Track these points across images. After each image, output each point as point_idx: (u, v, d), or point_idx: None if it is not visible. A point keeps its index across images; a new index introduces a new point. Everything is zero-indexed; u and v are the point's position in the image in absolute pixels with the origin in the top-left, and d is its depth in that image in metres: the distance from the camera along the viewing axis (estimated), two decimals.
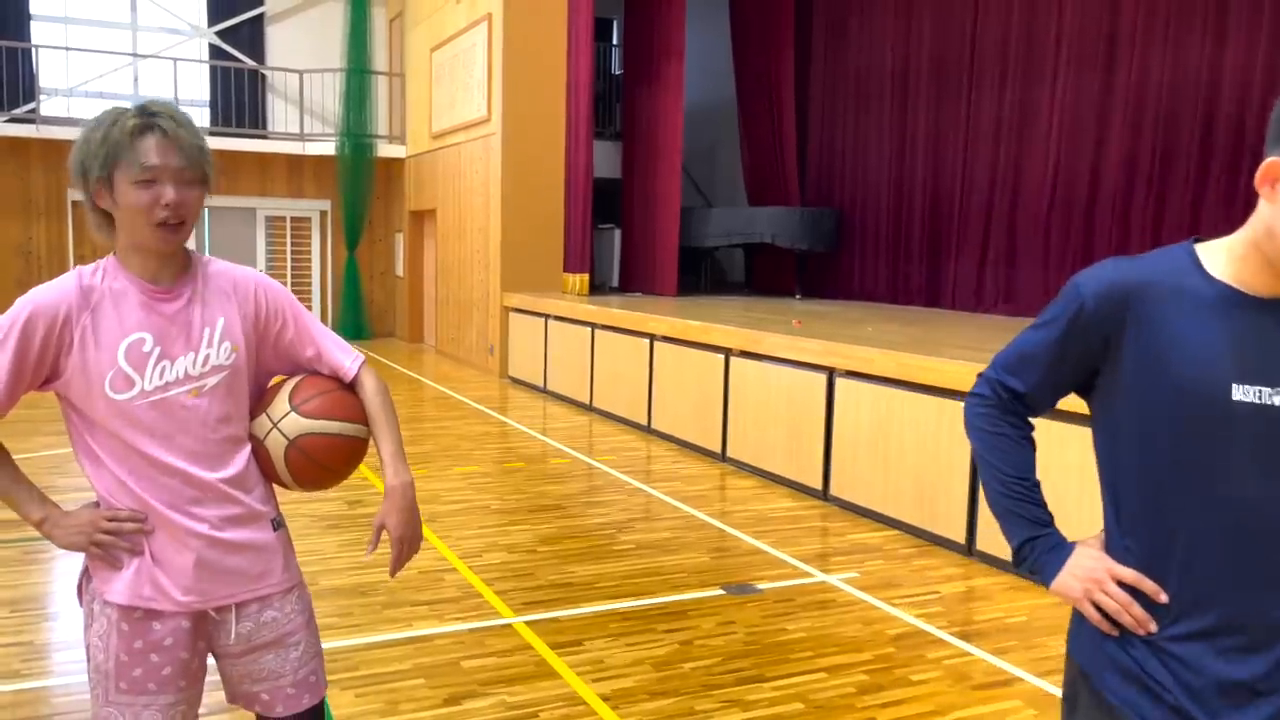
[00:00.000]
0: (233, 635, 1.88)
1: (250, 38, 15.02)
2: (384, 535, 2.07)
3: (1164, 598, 1.41)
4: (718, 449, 7.23)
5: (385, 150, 14.97)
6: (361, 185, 14.76)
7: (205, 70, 14.85)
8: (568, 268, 11.28)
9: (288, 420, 1.89)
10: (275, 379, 1.99)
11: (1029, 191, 8.95)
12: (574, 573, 4.73)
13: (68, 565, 4.74)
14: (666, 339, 7.99)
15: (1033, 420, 1.57)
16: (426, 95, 13.60)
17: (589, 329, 9.27)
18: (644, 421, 8.26)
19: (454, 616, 4.13)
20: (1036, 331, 1.51)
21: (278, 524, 1.96)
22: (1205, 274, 1.39)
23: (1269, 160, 1.31)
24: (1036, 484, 1.55)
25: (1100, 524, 1.54)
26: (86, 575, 1.88)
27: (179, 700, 1.86)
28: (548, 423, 8.78)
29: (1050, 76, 8.71)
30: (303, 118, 15.17)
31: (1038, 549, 1.51)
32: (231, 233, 14.91)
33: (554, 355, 10.04)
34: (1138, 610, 1.42)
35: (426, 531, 5.30)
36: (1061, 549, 1.50)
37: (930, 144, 10.14)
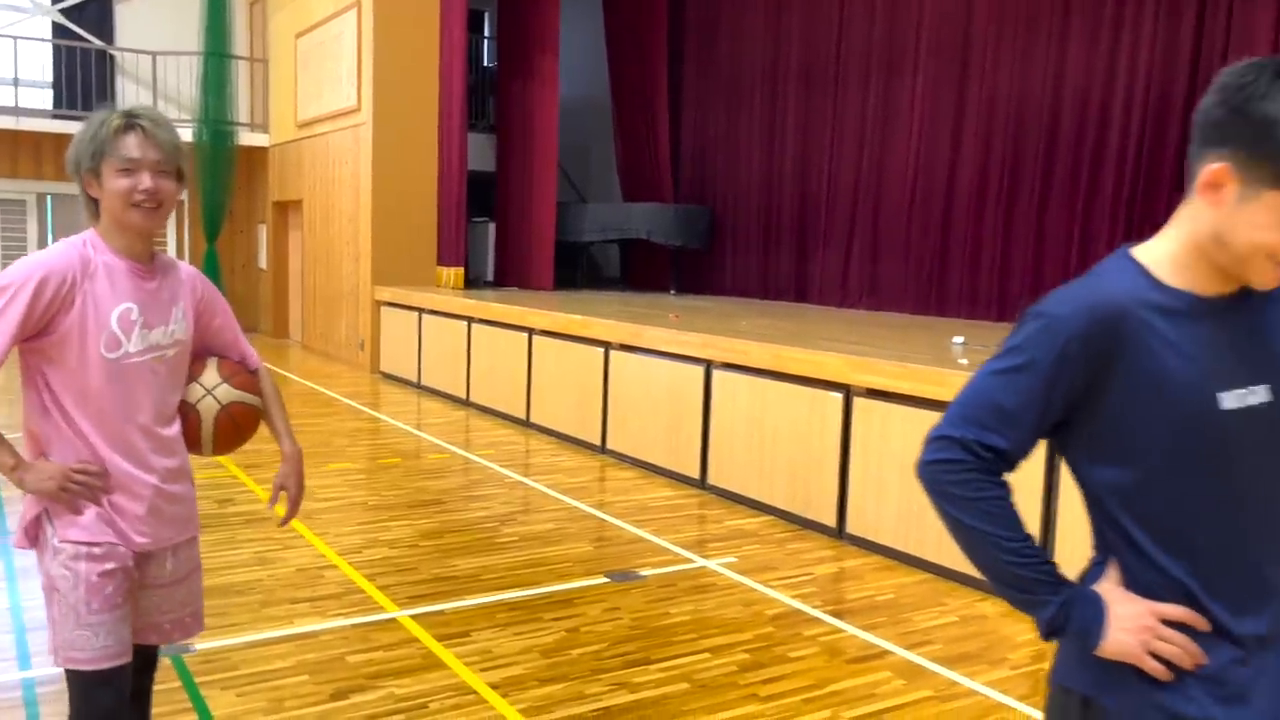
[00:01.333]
0: (167, 568, 2.23)
1: (98, 16, 14.22)
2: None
3: (1205, 626, 1.31)
4: (597, 441, 7.30)
5: (247, 138, 14.42)
6: (221, 174, 14.16)
7: (48, 50, 13.98)
8: (441, 261, 11.15)
9: (221, 389, 2.27)
10: (196, 361, 2.32)
11: (891, 188, 9.34)
12: (458, 566, 4.72)
13: None
14: (546, 333, 8.01)
15: (1010, 470, 1.39)
16: (291, 82, 13.18)
17: (465, 323, 9.19)
18: (523, 415, 8.25)
19: (336, 612, 4.07)
20: (1011, 378, 1.35)
21: (192, 480, 2.32)
22: (1165, 286, 1.33)
23: (1214, 167, 1.26)
24: (1034, 543, 1.37)
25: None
26: (39, 521, 2.10)
27: (130, 611, 2.16)
28: (423, 418, 8.67)
29: (911, 76, 9.12)
30: (156, 102, 14.44)
31: (1072, 611, 1.33)
32: (76, 221, 14.07)
33: (428, 350, 9.91)
34: (1194, 647, 1.31)
35: (302, 529, 5.19)
36: (1095, 603, 1.34)
37: (798, 142, 10.46)
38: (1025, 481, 4.16)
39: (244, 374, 2.36)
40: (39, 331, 2.03)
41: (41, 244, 13.90)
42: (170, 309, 2.19)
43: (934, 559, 4.76)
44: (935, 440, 1.39)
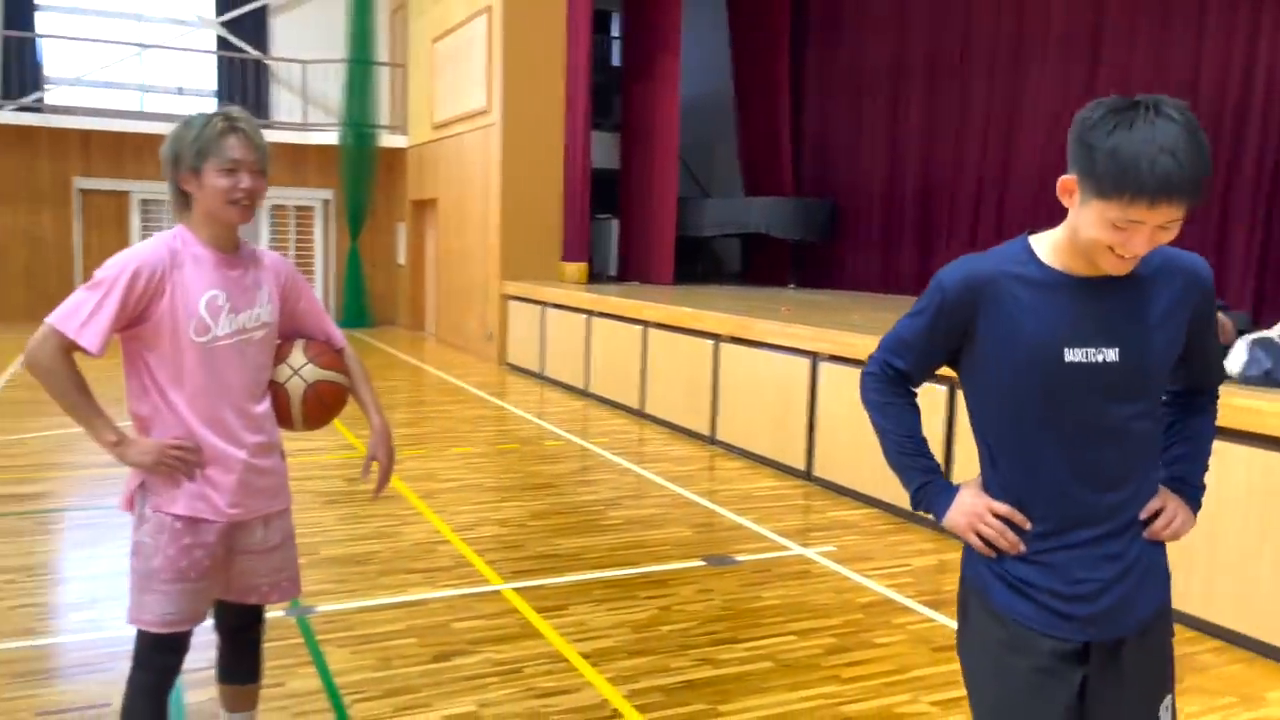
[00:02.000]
0: (258, 536, 2.41)
1: (255, 28, 15.22)
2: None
3: (1029, 525, 1.73)
4: (707, 431, 7.43)
5: (387, 140, 15.16)
6: (364, 175, 14.96)
7: (211, 60, 15.04)
8: (566, 256, 11.48)
9: (307, 368, 2.44)
10: (284, 342, 2.50)
11: (1017, 181, 9.12)
12: (562, 545, 4.94)
13: (77, 535, 4.96)
14: (660, 326, 8.19)
15: (915, 390, 1.89)
16: (428, 86, 13.79)
17: (585, 316, 9.47)
18: (637, 405, 8.46)
19: (446, 583, 4.35)
20: (911, 320, 1.82)
21: (283, 454, 2.50)
22: (1040, 263, 1.71)
23: (1065, 177, 1.62)
24: (924, 440, 1.87)
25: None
26: (141, 490, 2.31)
27: (210, 585, 2.35)
28: (544, 407, 8.99)
29: (1039, 68, 8.88)
30: (306, 107, 15.37)
31: (929, 492, 1.83)
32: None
33: (551, 342, 10.24)
34: (1011, 536, 1.74)
35: (421, 506, 5.52)
36: (949, 491, 1.82)
37: (922, 134, 10.31)
38: None
39: (330, 353, 2.50)
40: (135, 320, 2.20)
41: None
42: (255, 294, 2.34)
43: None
44: (869, 360, 1.91)
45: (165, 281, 2.21)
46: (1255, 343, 4.02)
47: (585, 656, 3.61)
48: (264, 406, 2.39)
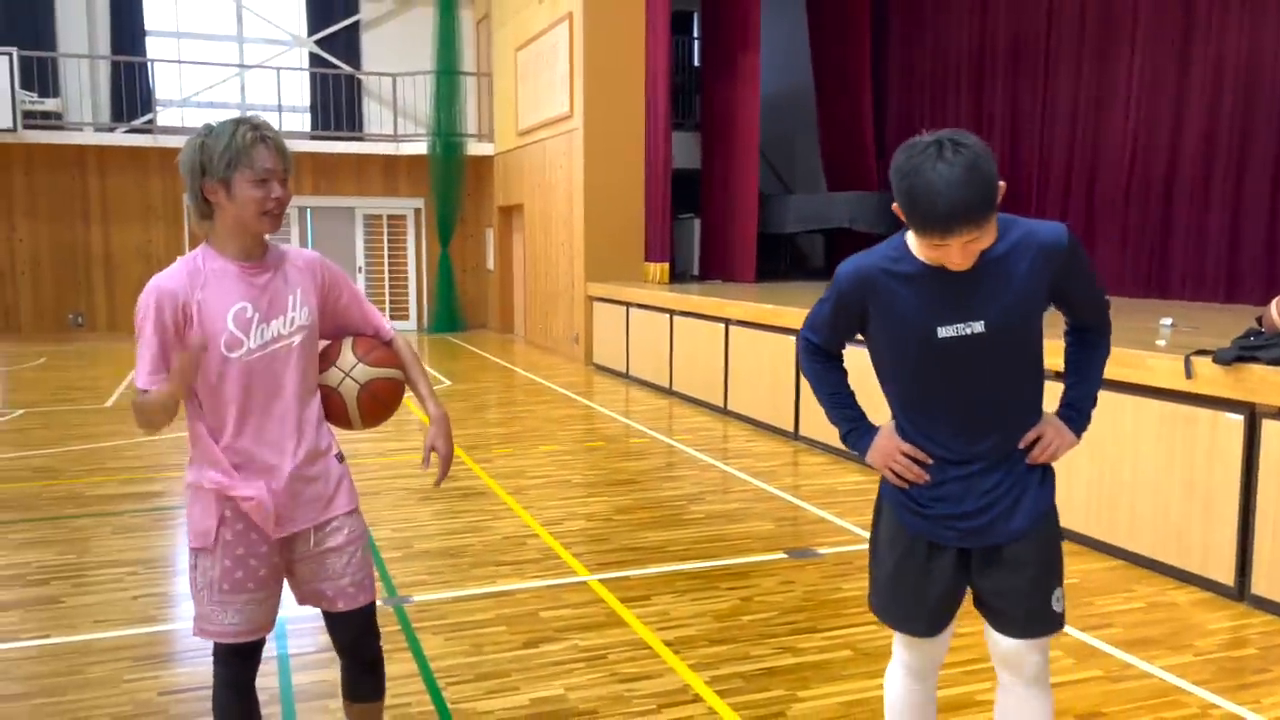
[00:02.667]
0: (310, 542, 2.36)
1: (346, 44, 15.77)
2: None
3: (930, 461, 2.18)
4: (790, 427, 7.47)
5: (474, 148, 15.54)
6: (453, 183, 15.36)
7: (305, 77, 15.64)
8: (649, 257, 11.61)
9: (358, 369, 2.38)
10: (324, 343, 2.43)
11: (1106, 172, 8.91)
12: (646, 538, 5.06)
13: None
14: (741, 323, 8.25)
15: (837, 355, 2.34)
16: (512, 94, 14.09)
17: (668, 315, 9.58)
18: (720, 403, 8.53)
19: (534, 574, 4.50)
20: (819, 306, 2.26)
21: (340, 458, 2.44)
22: (912, 257, 2.07)
23: (894, 205, 1.97)
24: (850, 394, 2.32)
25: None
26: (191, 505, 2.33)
27: (268, 595, 2.34)
28: (629, 405, 9.13)
29: (1127, 55, 8.66)
30: (396, 119, 15.85)
31: (854, 436, 2.28)
32: (332, 231, 15.68)
33: (635, 342, 10.38)
34: (916, 470, 2.19)
35: (511, 501, 5.70)
36: (870, 433, 2.26)
37: (1007, 125, 10.14)
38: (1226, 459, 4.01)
39: (379, 348, 2.42)
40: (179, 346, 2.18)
41: None
42: (286, 298, 2.26)
43: (1126, 545, 4.63)
44: (800, 334, 2.35)
45: (189, 306, 2.17)
46: None
47: (668, 644, 3.72)
48: (311, 412, 2.32)
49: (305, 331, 2.31)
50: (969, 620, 3.87)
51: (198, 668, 3.52)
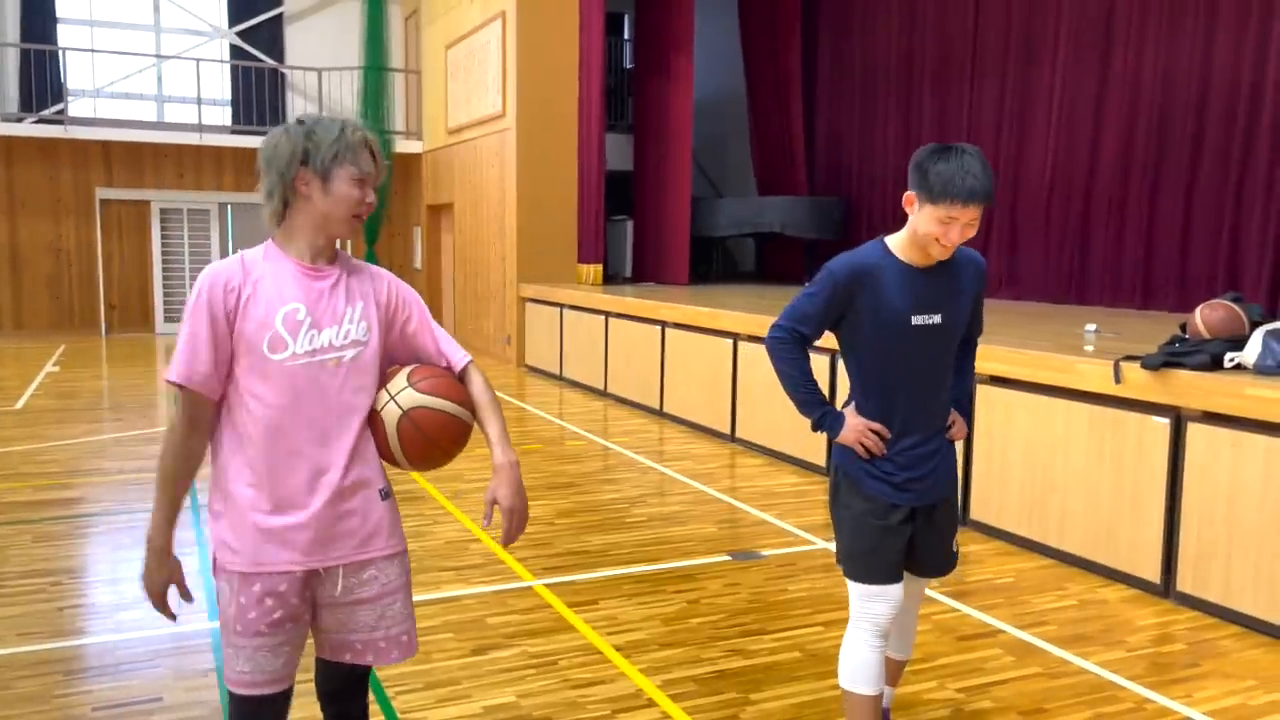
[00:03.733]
0: (338, 588, 2.10)
1: (270, 37, 15.38)
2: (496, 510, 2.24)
3: (888, 434, 2.61)
4: (727, 430, 7.52)
5: (403, 146, 15.30)
6: (380, 180, 15.08)
7: (226, 70, 15.21)
8: (582, 258, 11.58)
9: (404, 394, 2.09)
10: (392, 367, 2.19)
11: (1029, 178, 9.18)
12: (590, 542, 5.04)
13: (113, 538, 5.08)
14: (677, 326, 8.28)
15: (809, 346, 2.65)
16: (442, 91, 13.91)
17: (603, 317, 9.57)
18: (656, 405, 8.55)
19: (479, 580, 4.45)
20: (809, 299, 2.58)
21: (385, 494, 2.16)
22: (894, 256, 2.55)
23: (908, 193, 2.47)
24: (816, 382, 2.66)
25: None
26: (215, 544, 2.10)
27: (285, 641, 2.07)
28: (564, 408, 9.09)
29: (1050, 62, 8.93)
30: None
31: (826, 420, 2.64)
32: (252, 229, 15.28)
33: (569, 343, 10.35)
34: (880, 444, 2.61)
35: (449, 505, 5.63)
36: (840, 418, 2.64)
37: (933, 131, 10.37)
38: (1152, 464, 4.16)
39: (439, 378, 2.14)
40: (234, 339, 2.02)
41: (223, 250, 15.14)
42: (345, 309, 2.08)
43: (1057, 545, 4.77)
44: (774, 328, 2.65)
45: (237, 296, 2.01)
46: (1270, 334, 4.08)
47: (618, 649, 3.71)
48: (352, 439, 2.08)
49: (360, 348, 2.09)
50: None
51: (131, 681, 3.40)
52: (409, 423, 2.08)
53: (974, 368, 2.90)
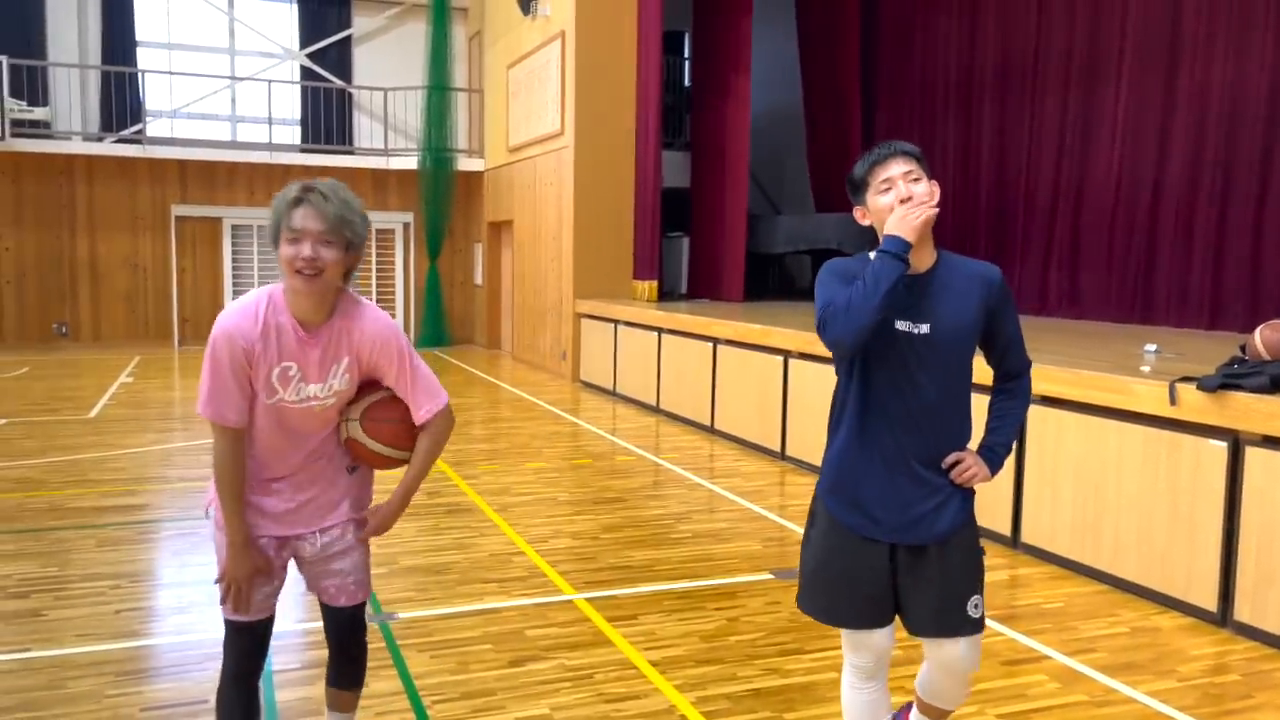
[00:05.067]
0: (316, 547, 2.58)
1: (338, 58, 15.78)
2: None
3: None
4: (777, 447, 7.48)
5: (465, 164, 15.56)
6: (442, 198, 15.38)
7: (297, 90, 15.65)
8: (637, 275, 11.63)
9: (352, 424, 2.52)
10: (362, 392, 2.55)
11: (1093, 195, 8.99)
12: (633, 557, 5.05)
13: (174, 544, 5.24)
14: (729, 342, 8.27)
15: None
16: (503, 110, 14.13)
17: (656, 334, 9.60)
18: (707, 422, 8.54)
19: (520, 593, 4.49)
20: (830, 288, 2.35)
21: (352, 469, 2.60)
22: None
23: (854, 210, 2.47)
24: None
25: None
26: (212, 503, 2.54)
27: (268, 584, 2.53)
28: (616, 423, 9.13)
29: (1114, 79, 8.76)
30: (387, 134, 15.86)
31: (881, 252, 2.29)
32: None
33: (623, 359, 10.40)
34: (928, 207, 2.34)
35: (497, 519, 5.69)
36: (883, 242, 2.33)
37: (994, 148, 10.23)
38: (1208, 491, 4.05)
39: (387, 424, 2.50)
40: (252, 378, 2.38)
41: None
42: (330, 367, 2.41)
43: (1110, 570, 4.66)
44: (821, 328, 2.34)
45: (252, 351, 2.34)
46: None
47: (654, 664, 3.71)
48: (322, 440, 2.51)
49: (339, 396, 2.47)
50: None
51: (181, 684, 3.50)
52: (349, 440, 2.54)
53: (1020, 417, 2.57)
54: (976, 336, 2.43)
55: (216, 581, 2.50)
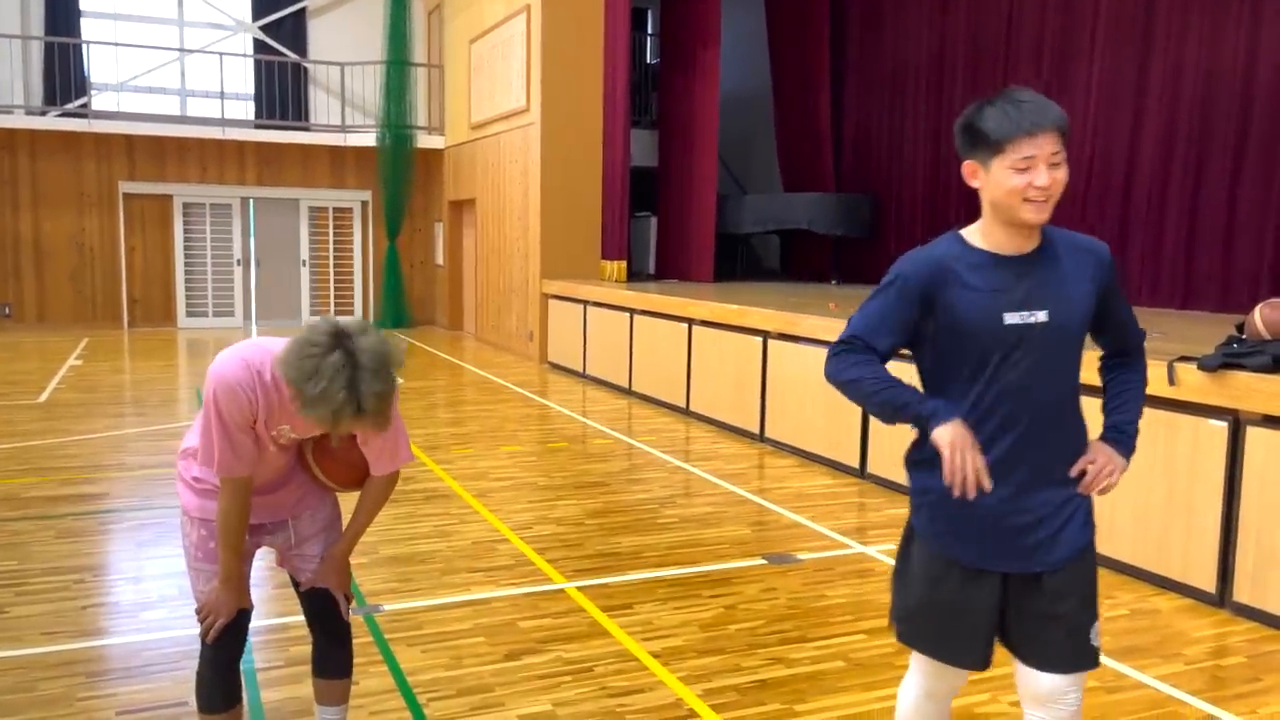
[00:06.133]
0: (290, 537, 2.62)
1: (293, 31, 15.32)
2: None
3: (989, 489, 1.99)
4: (756, 429, 7.39)
5: (425, 141, 15.22)
6: (402, 176, 15.03)
7: (249, 64, 15.17)
8: (605, 255, 11.46)
9: (309, 458, 2.53)
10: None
11: None
12: (620, 543, 4.92)
13: (138, 535, 5.00)
14: (705, 323, 8.15)
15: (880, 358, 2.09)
16: (465, 86, 13.82)
17: (628, 314, 9.44)
18: (682, 404, 8.43)
19: (509, 582, 4.34)
20: (879, 304, 2.08)
21: (302, 484, 2.63)
22: (971, 247, 2.05)
23: (963, 165, 2.03)
24: (896, 378, 2.05)
25: None
26: (185, 494, 2.55)
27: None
28: (588, 405, 8.98)
29: (1086, 59, 8.75)
30: (344, 110, 15.46)
31: (929, 405, 2.01)
32: (275, 223, 15.25)
33: (593, 340, 10.23)
34: (977, 482, 1.96)
35: (477, 505, 5.52)
36: (951, 412, 2.00)
37: None
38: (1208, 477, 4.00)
39: (329, 461, 2.51)
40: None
41: (245, 245, 15.11)
42: (319, 429, 2.38)
43: (1107, 552, 4.62)
44: (837, 344, 2.11)
45: (257, 411, 2.31)
46: None
47: (655, 655, 3.59)
48: (290, 464, 2.55)
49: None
50: None
51: (157, 684, 3.30)
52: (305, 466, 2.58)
53: (1142, 387, 2.21)
54: (1088, 321, 2.08)
55: (197, 613, 2.47)
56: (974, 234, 2.07)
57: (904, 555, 2.25)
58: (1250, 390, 4.00)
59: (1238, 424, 4.06)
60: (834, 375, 2.09)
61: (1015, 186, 1.91)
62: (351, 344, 2.11)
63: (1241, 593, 4.05)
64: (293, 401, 2.17)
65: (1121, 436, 2.15)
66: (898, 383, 2.03)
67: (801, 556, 4.76)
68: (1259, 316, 4.23)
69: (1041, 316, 1.99)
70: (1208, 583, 4.17)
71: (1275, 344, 4.06)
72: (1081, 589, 2.09)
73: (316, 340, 2.10)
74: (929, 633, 2.18)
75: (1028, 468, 2.03)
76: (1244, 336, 4.31)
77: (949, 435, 1.96)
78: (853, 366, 2.05)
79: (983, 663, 2.15)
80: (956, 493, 1.96)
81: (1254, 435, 3.98)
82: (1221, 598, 4.14)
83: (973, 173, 2.00)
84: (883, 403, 2.04)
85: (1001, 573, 2.09)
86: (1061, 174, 1.92)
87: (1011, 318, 1.99)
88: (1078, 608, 2.08)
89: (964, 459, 1.94)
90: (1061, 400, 2.06)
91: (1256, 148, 7.38)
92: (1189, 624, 4.00)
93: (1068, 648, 2.08)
